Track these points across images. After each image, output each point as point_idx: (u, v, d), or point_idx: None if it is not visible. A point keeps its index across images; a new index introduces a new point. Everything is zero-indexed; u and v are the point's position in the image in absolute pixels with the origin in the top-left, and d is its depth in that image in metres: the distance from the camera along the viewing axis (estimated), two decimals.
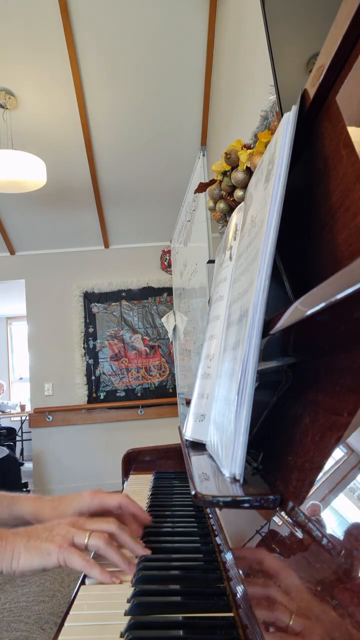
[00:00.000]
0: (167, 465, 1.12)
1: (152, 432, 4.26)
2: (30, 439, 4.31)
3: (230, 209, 0.97)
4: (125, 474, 1.13)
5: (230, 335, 0.57)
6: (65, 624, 0.47)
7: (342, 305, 0.28)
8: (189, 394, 2.38)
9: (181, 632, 0.43)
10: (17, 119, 3.13)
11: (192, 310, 2.71)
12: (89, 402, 4.32)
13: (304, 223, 0.53)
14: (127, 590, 0.52)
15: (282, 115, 0.56)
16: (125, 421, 4.33)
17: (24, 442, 5.98)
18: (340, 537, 0.30)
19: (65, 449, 3.87)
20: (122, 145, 3.45)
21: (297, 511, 0.37)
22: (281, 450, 0.46)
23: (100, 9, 2.58)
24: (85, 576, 0.57)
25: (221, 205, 0.98)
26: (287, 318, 0.39)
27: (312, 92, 0.47)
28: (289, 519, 0.38)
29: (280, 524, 0.40)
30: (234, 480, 0.45)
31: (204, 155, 2.25)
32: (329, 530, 0.31)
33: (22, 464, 3.61)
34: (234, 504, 0.41)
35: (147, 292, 4.47)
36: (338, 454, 0.34)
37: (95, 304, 4.43)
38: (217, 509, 0.61)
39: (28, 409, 5.47)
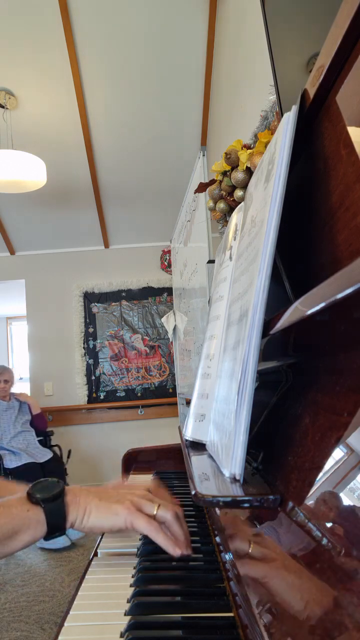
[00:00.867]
0: (167, 465, 1.12)
1: (152, 432, 4.26)
2: None
3: (230, 209, 0.97)
4: (125, 474, 1.13)
5: (230, 335, 0.57)
6: (65, 624, 0.47)
7: (342, 305, 0.28)
8: (189, 394, 2.38)
9: (181, 632, 0.43)
10: (17, 119, 3.13)
11: (192, 310, 2.71)
12: (89, 402, 4.32)
13: (304, 223, 0.53)
14: (127, 590, 0.52)
15: (282, 115, 0.56)
16: (125, 421, 4.33)
17: None
18: (341, 537, 0.30)
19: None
20: (122, 145, 3.45)
21: (297, 511, 0.37)
22: (281, 450, 0.46)
23: (101, 9, 2.58)
24: (85, 576, 0.57)
25: (221, 205, 0.98)
26: (287, 318, 0.39)
27: (312, 92, 0.47)
28: (289, 519, 0.38)
29: (280, 524, 0.40)
30: (234, 480, 0.45)
31: (204, 155, 2.25)
32: (329, 530, 0.31)
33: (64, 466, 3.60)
34: (234, 504, 0.41)
35: (147, 292, 4.47)
36: (338, 454, 0.34)
37: (95, 304, 4.43)
38: (217, 509, 0.61)
39: None
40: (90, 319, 4.42)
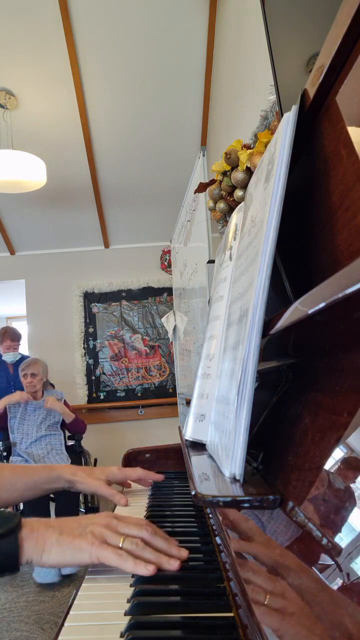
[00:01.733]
0: (167, 465, 1.12)
1: (152, 432, 4.26)
2: None
3: (230, 209, 0.97)
4: None
5: (230, 335, 0.57)
6: (65, 624, 0.47)
7: (342, 305, 0.28)
8: (189, 394, 2.38)
9: (181, 632, 0.43)
10: (17, 119, 3.13)
11: (192, 310, 2.71)
12: (89, 402, 4.32)
13: (304, 223, 0.53)
14: (127, 590, 0.52)
15: (282, 115, 0.56)
16: (125, 421, 4.33)
17: None
18: (341, 537, 0.30)
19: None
20: (122, 145, 3.45)
21: (297, 511, 0.37)
22: (281, 450, 0.46)
23: (101, 9, 2.58)
24: (85, 576, 0.57)
25: (221, 205, 0.98)
26: (287, 318, 0.39)
27: (312, 92, 0.47)
28: (289, 519, 0.38)
29: (280, 524, 0.40)
30: (234, 480, 0.45)
31: (204, 155, 2.26)
32: (329, 530, 0.31)
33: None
34: (234, 504, 0.41)
35: (147, 292, 4.47)
36: (338, 454, 0.34)
37: (95, 304, 4.43)
38: (217, 509, 0.61)
39: None
40: (90, 319, 4.42)
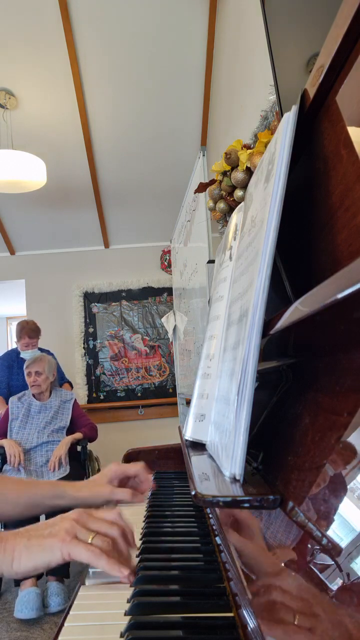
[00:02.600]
0: (167, 465, 1.12)
1: (152, 432, 4.26)
2: None
3: (230, 209, 0.97)
4: None
5: (230, 335, 0.57)
6: (65, 624, 0.47)
7: (342, 305, 0.28)
8: (189, 394, 2.38)
9: (181, 632, 0.43)
10: (17, 119, 3.13)
11: (192, 310, 2.71)
12: (89, 402, 4.31)
13: (304, 223, 0.53)
14: (127, 590, 0.52)
15: (282, 115, 0.56)
16: (125, 421, 4.33)
17: None
18: (341, 537, 0.30)
19: None
20: (122, 145, 3.45)
21: (297, 511, 0.37)
22: (281, 450, 0.46)
23: (101, 9, 2.58)
24: (85, 576, 0.57)
25: (221, 205, 0.98)
26: (287, 318, 0.39)
27: (312, 92, 0.47)
28: (289, 519, 0.38)
29: (280, 524, 0.40)
30: (234, 480, 0.45)
31: (204, 155, 2.26)
32: (329, 531, 0.31)
33: None
34: (234, 504, 0.41)
35: (147, 292, 4.47)
36: (338, 454, 0.34)
37: (95, 304, 4.43)
38: (217, 509, 0.61)
39: None
40: (90, 319, 4.42)
